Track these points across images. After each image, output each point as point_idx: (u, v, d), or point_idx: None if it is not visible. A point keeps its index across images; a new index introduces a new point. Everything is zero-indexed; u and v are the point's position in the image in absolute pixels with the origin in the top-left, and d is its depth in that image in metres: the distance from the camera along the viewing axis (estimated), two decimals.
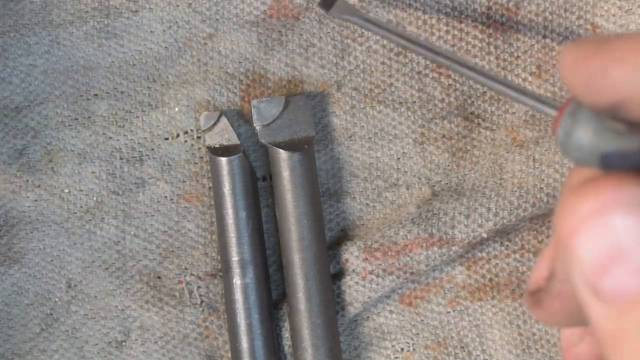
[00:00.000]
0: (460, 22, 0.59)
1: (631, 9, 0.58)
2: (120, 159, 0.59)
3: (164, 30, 0.59)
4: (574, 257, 0.33)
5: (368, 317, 0.59)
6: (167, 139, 0.59)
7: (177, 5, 0.59)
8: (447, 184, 0.59)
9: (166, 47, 0.59)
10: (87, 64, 0.59)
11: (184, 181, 0.59)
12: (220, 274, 0.59)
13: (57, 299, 0.59)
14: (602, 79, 0.33)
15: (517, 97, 0.44)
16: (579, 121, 0.35)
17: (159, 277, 0.59)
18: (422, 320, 0.59)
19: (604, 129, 0.34)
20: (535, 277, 0.39)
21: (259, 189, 0.59)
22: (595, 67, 0.33)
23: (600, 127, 0.34)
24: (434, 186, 0.59)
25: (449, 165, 0.59)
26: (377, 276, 0.58)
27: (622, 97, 0.33)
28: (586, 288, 0.33)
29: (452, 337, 0.59)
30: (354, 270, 0.58)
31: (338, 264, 0.59)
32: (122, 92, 0.59)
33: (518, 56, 0.59)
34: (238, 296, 0.57)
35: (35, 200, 0.59)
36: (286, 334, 0.59)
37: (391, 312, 0.59)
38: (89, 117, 0.59)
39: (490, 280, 0.59)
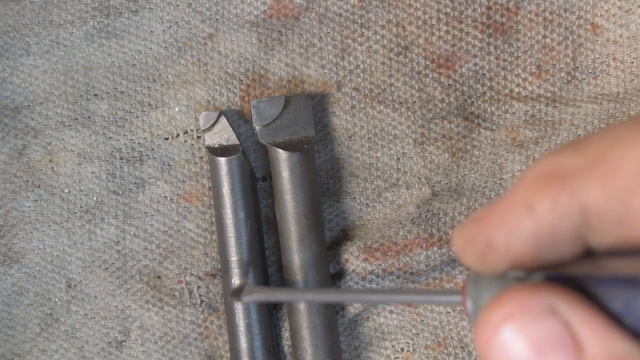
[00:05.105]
0: (460, 22, 0.59)
1: (631, 9, 0.58)
2: (120, 159, 0.59)
3: (164, 30, 0.59)
4: None
5: (368, 317, 0.59)
6: (167, 139, 0.59)
7: (177, 5, 0.59)
8: (447, 184, 0.59)
9: (166, 47, 0.59)
10: (87, 64, 0.59)
11: (184, 181, 0.59)
12: (220, 273, 0.59)
13: (57, 299, 0.59)
14: (489, 251, 0.36)
15: (422, 299, 0.46)
16: (482, 292, 0.37)
17: (159, 277, 0.59)
18: (422, 320, 0.59)
19: (507, 283, 0.36)
20: None
21: (258, 189, 0.59)
22: (480, 244, 0.36)
23: (503, 284, 0.36)
24: (434, 186, 0.59)
25: (449, 165, 0.59)
26: (377, 276, 0.58)
27: (511, 259, 0.36)
28: None
29: (452, 337, 0.59)
30: (354, 270, 0.58)
31: (338, 264, 0.59)
32: (122, 92, 0.59)
33: (518, 56, 0.59)
34: None
35: (35, 200, 0.59)
36: (286, 334, 0.59)
37: (391, 312, 0.59)
38: (89, 117, 0.59)
39: None
